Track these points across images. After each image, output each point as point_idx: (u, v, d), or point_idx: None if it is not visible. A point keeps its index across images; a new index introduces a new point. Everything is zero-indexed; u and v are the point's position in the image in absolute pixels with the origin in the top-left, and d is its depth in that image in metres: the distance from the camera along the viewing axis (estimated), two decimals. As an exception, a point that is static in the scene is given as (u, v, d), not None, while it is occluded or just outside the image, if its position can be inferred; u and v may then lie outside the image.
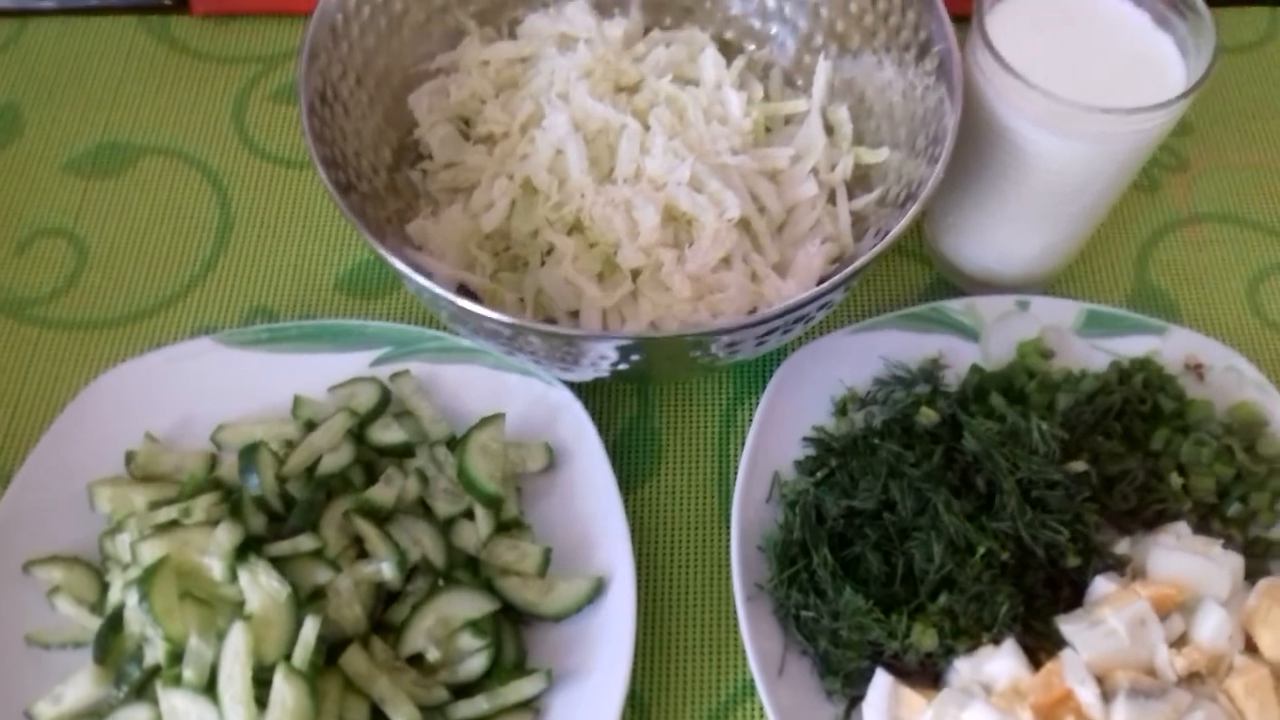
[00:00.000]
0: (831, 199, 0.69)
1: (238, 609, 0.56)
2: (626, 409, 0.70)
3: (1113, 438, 0.65)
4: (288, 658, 0.55)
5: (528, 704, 0.59)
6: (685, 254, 0.64)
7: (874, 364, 0.69)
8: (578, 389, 0.66)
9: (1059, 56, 0.60)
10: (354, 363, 0.69)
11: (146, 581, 0.55)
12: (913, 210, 0.58)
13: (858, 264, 0.55)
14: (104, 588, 0.61)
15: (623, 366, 0.59)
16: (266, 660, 0.55)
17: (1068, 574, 0.61)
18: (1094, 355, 0.69)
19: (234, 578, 0.57)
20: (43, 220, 0.77)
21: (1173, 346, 0.69)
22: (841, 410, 0.68)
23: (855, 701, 0.59)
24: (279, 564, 0.57)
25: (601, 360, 0.58)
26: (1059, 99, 0.56)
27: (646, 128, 0.66)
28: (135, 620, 0.57)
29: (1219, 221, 0.78)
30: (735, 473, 0.65)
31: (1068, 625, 0.58)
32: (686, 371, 0.64)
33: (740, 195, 0.65)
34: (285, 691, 0.54)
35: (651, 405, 0.71)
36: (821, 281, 0.66)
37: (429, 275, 0.64)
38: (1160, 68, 0.61)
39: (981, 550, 0.59)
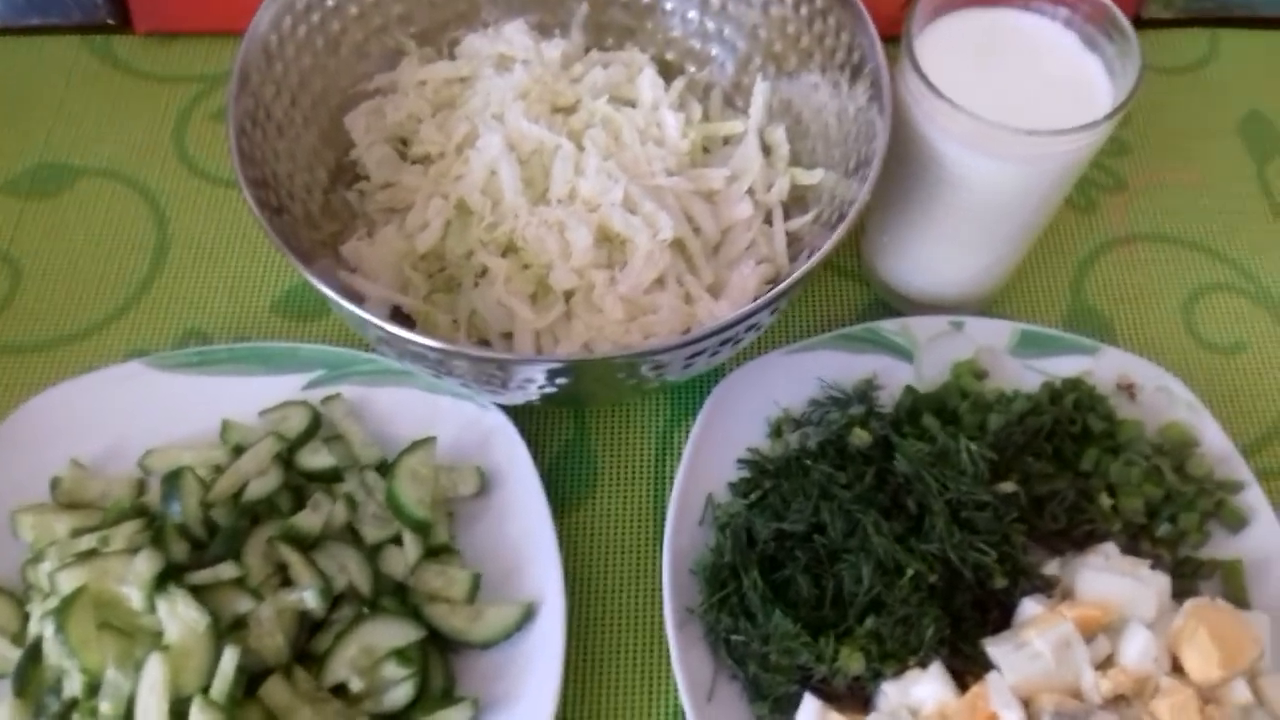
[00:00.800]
0: (768, 220, 0.68)
1: (156, 640, 0.54)
2: (562, 432, 0.69)
3: (1043, 458, 0.64)
4: (206, 690, 0.53)
5: (455, 733, 0.58)
6: (618, 275, 0.63)
7: (809, 384, 0.68)
8: (513, 412, 0.65)
9: (987, 79, 0.59)
10: (286, 386, 0.67)
11: (63, 612, 0.54)
12: (839, 230, 0.56)
13: (782, 286, 0.54)
14: (25, 618, 0.59)
15: (550, 390, 0.57)
16: (185, 692, 0.53)
17: (996, 595, 0.60)
18: (1027, 375, 0.68)
19: (153, 608, 0.55)
20: (-24, 241, 0.75)
21: (1105, 366, 0.68)
22: (776, 431, 0.67)
23: (785, 726, 0.58)
24: (200, 593, 0.55)
25: (529, 384, 0.56)
26: (986, 121, 0.56)
27: (581, 149, 0.65)
28: (53, 652, 0.55)
29: (1155, 241, 0.78)
30: (670, 496, 0.63)
31: (994, 648, 0.57)
32: (618, 394, 0.62)
33: (674, 216, 0.63)
34: (203, 725, 0.52)
35: (588, 428, 0.69)
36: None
37: (361, 298, 0.63)
38: (1088, 89, 0.60)
39: (910, 572, 0.58)
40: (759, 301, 0.54)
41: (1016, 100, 0.58)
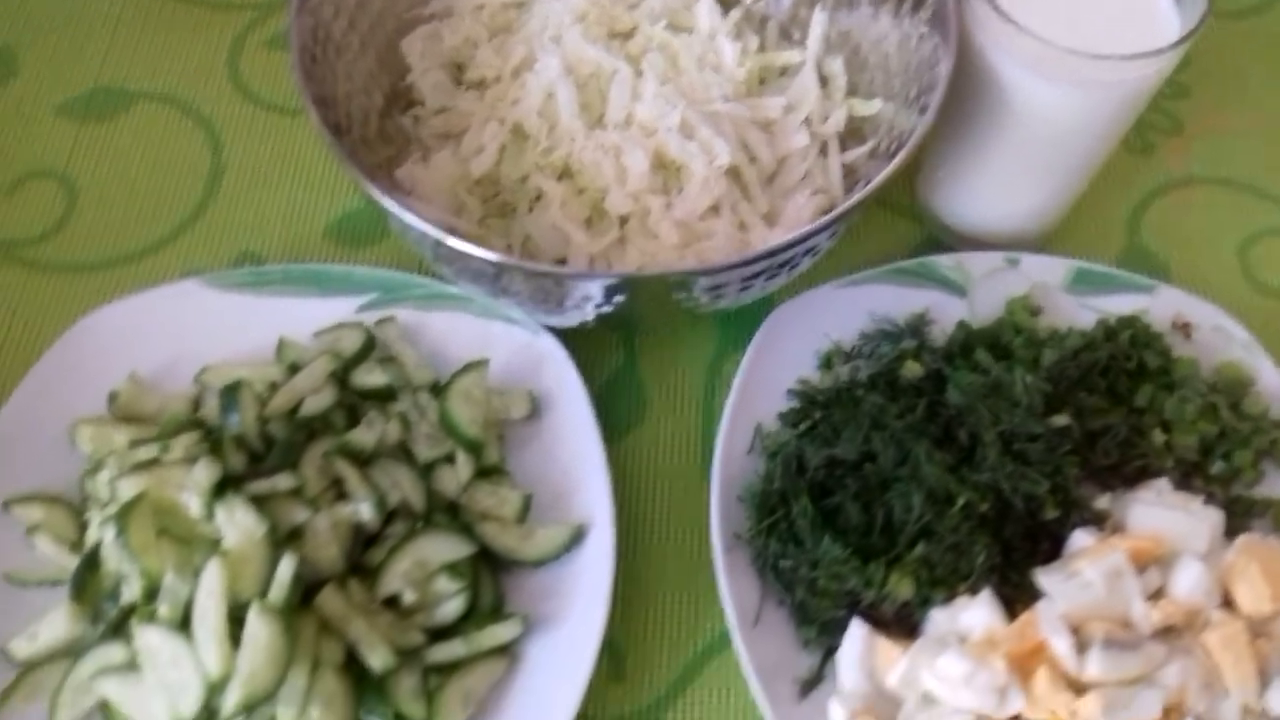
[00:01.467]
0: (823, 151, 0.67)
1: (214, 547, 0.55)
2: (611, 360, 0.69)
3: (1096, 393, 0.63)
4: (263, 596, 0.54)
5: (504, 649, 0.58)
6: (673, 201, 0.62)
7: (860, 318, 0.68)
8: (563, 339, 0.65)
9: (1054, 5, 0.58)
10: (340, 308, 0.67)
11: (124, 516, 0.54)
12: (902, 154, 0.56)
13: (845, 206, 0.54)
14: (83, 527, 0.60)
15: (607, 309, 0.57)
16: (242, 597, 0.53)
17: (1046, 527, 0.59)
18: (1082, 313, 0.68)
19: (211, 515, 0.56)
20: (34, 162, 0.75)
21: (1161, 305, 0.67)
22: (826, 364, 0.66)
23: (831, 651, 0.58)
24: (257, 503, 0.56)
25: (586, 302, 0.56)
26: (1052, 44, 0.55)
27: (639, 73, 0.64)
28: (112, 557, 0.56)
29: (1212, 185, 0.76)
30: (718, 425, 0.63)
31: (1045, 576, 0.57)
32: (671, 317, 0.62)
33: (731, 143, 0.63)
34: (259, 629, 0.53)
35: (637, 357, 0.69)
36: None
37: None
38: (1154, 18, 0.59)
39: (961, 501, 0.58)
40: (819, 222, 0.54)
41: (1082, 27, 0.57)
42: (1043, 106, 0.59)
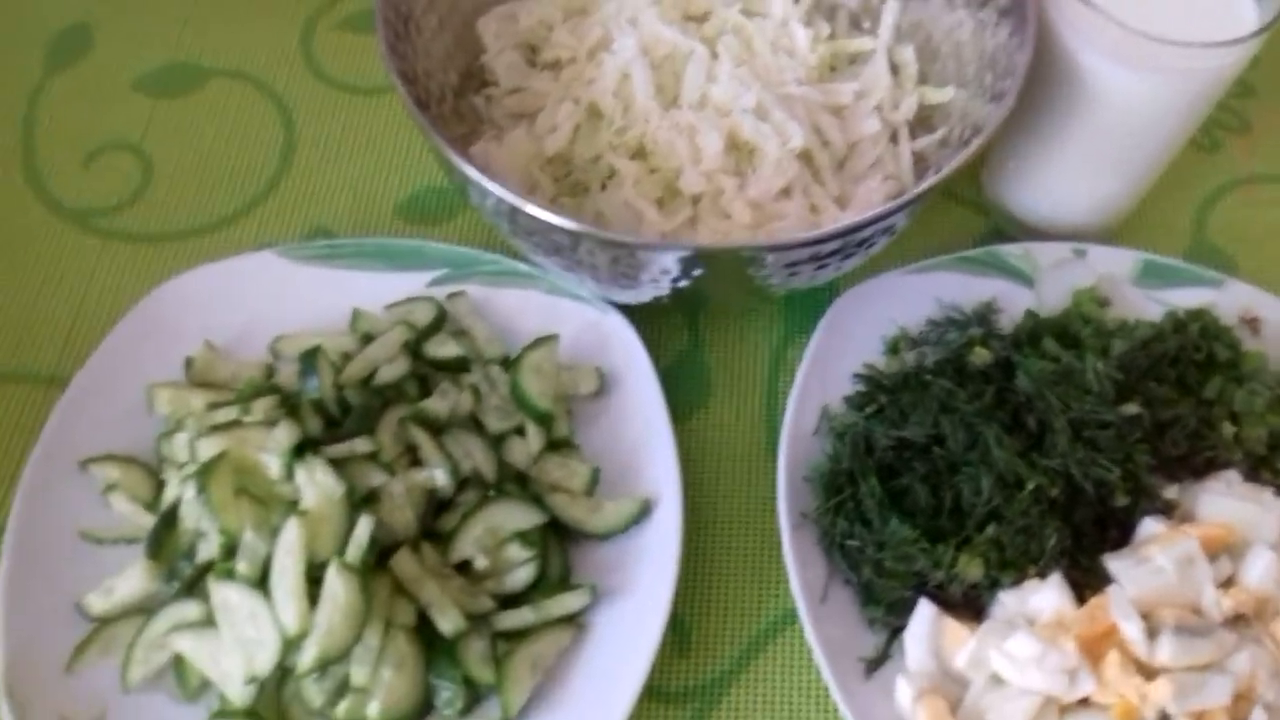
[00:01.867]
0: (894, 138, 0.68)
1: (292, 508, 0.56)
2: (677, 342, 0.70)
3: (1166, 384, 0.64)
4: (341, 555, 0.55)
5: (572, 619, 0.59)
6: (746, 182, 0.64)
7: (927, 305, 0.68)
8: (629, 319, 0.66)
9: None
10: (411, 283, 0.68)
11: (205, 474, 0.56)
12: (980, 139, 0.57)
13: (926, 184, 0.55)
14: (159, 487, 0.62)
15: (683, 283, 0.58)
16: (319, 557, 0.55)
17: (1116, 514, 0.60)
18: (1149, 306, 0.68)
19: (290, 476, 0.57)
20: (111, 135, 0.77)
21: (1229, 300, 0.68)
22: (893, 349, 0.67)
23: (897, 632, 0.59)
24: (335, 465, 0.57)
25: (663, 275, 0.58)
26: (1133, 29, 0.56)
27: (714, 55, 0.66)
28: (190, 515, 0.58)
29: (1278, 183, 0.77)
30: (783, 409, 0.64)
31: (1114, 562, 0.57)
32: (743, 296, 0.63)
33: (803, 126, 0.64)
34: (338, 586, 0.54)
35: (702, 340, 0.70)
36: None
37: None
38: (1232, 11, 0.60)
39: (1031, 485, 0.58)
40: (901, 200, 0.55)
41: (1161, 15, 0.58)
42: (1119, 94, 0.60)
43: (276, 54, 0.81)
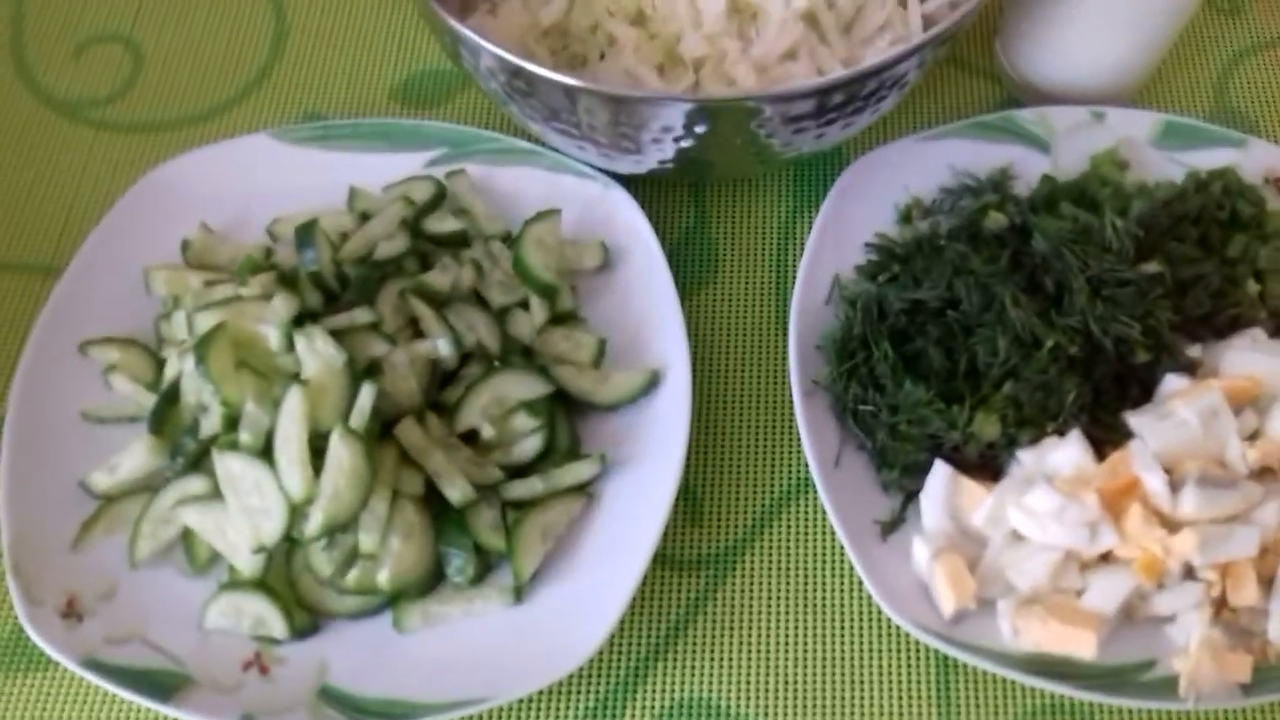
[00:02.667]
0: (903, 0, 0.67)
1: (293, 379, 0.56)
2: (683, 218, 0.70)
3: (1188, 242, 0.63)
4: (344, 423, 0.55)
5: (582, 488, 0.59)
6: (750, 44, 0.62)
7: (940, 173, 0.67)
8: (634, 193, 0.66)
9: None
10: (409, 163, 0.68)
11: (204, 345, 0.55)
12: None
13: (935, 30, 0.53)
14: (160, 366, 0.62)
15: (686, 142, 0.57)
16: (323, 426, 0.55)
17: (1137, 372, 0.59)
18: (1170, 168, 0.67)
19: (290, 346, 0.57)
20: (99, 27, 0.76)
21: (1253, 160, 0.67)
22: (906, 217, 0.66)
23: (912, 496, 0.59)
24: (335, 336, 0.57)
25: (665, 134, 0.57)
26: None
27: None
28: (192, 390, 0.58)
29: (1303, 46, 0.75)
30: (793, 282, 0.64)
31: (1136, 418, 0.57)
32: (749, 159, 0.62)
33: (808, -14, 0.63)
34: (342, 453, 0.54)
35: (709, 214, 0.70)
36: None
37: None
38: None
39: (1049, 344, 0.58)
40: (907, 46, 0.54)
41: None
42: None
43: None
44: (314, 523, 0.54)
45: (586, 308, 0.65)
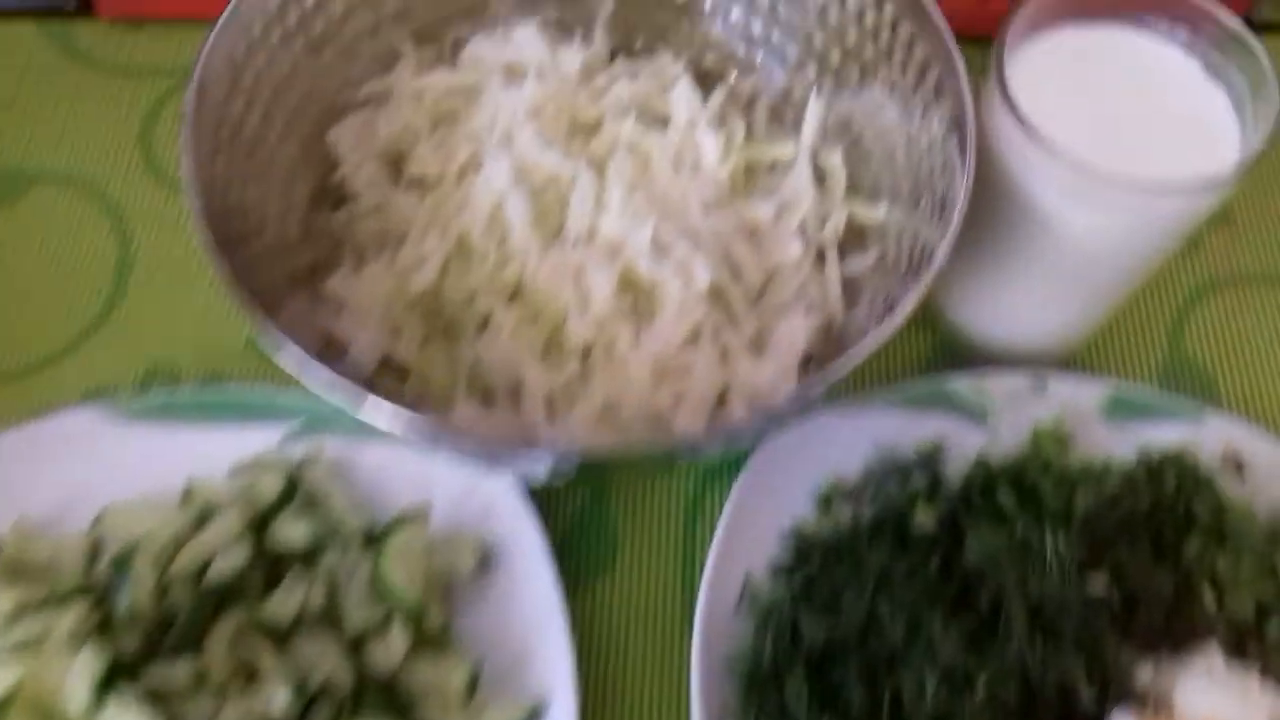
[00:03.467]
0: (820, 261, 0.61)
1: (102, 753, 0.49)
2: (577, 497, 0.63)
3: (1139, 545, 0.58)
4: (158, 814, 0.48)
5: None
6: (645, 328, 0.56)
7: (864, 447, 0.62)
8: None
9: (1092, 111, 0.53)
10: (261, 438, 0.62)
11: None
12: (903, 308, 0.50)
13: (847, 360, 0.48)
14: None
15: (561, 469, 0.51)
16: (135, 816, 0.48)
17: (1079, 707, 0.54)
18: (1120, 443, 0.62)
19: (100, 708, 0.50)
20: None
21: (1210, 435, 0.62)
22: (825, 504, 0.61)
23: None
24: (154, 697, 0.50)
25: (537, 466, 0.51)
26: (1090, 171, 0.49)
27: (604, 178, 0.58)
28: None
29: (1266, 283, 0.71)
30: (701, 565, 0.58)
31: (1081, 779, 0.51)
32: (642, 472, 0.57)
33: (712, 259, 0.57)
34: None
35: (607, 493, 0.64)
36: (806, 360, 0.59)
37: (344, 346, 0.57)
38: (1210, 127, 0.53)
39: (983, 691, 0.52)
40: (812, 381, 0.48)
41: (1126, 139, 0.52)
42: (1082, 230, 0.53)
43: (111, 153, 0.73)
44: None
45: (459, 619, 0.59)
